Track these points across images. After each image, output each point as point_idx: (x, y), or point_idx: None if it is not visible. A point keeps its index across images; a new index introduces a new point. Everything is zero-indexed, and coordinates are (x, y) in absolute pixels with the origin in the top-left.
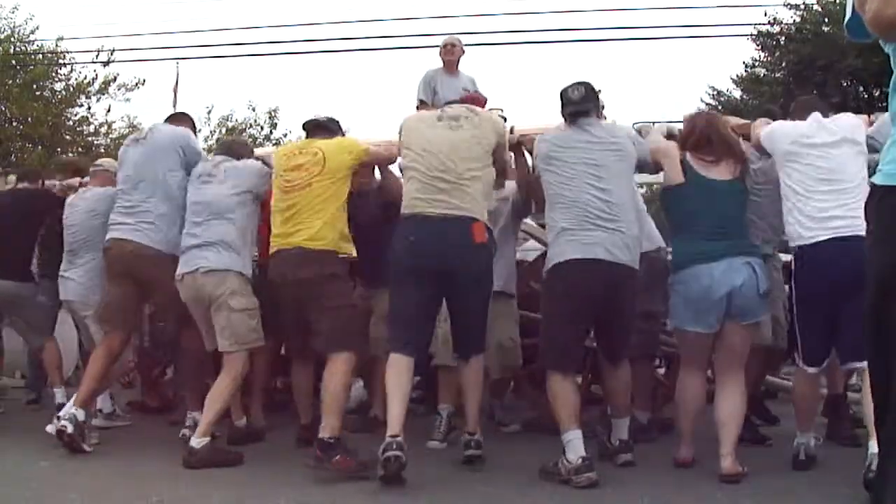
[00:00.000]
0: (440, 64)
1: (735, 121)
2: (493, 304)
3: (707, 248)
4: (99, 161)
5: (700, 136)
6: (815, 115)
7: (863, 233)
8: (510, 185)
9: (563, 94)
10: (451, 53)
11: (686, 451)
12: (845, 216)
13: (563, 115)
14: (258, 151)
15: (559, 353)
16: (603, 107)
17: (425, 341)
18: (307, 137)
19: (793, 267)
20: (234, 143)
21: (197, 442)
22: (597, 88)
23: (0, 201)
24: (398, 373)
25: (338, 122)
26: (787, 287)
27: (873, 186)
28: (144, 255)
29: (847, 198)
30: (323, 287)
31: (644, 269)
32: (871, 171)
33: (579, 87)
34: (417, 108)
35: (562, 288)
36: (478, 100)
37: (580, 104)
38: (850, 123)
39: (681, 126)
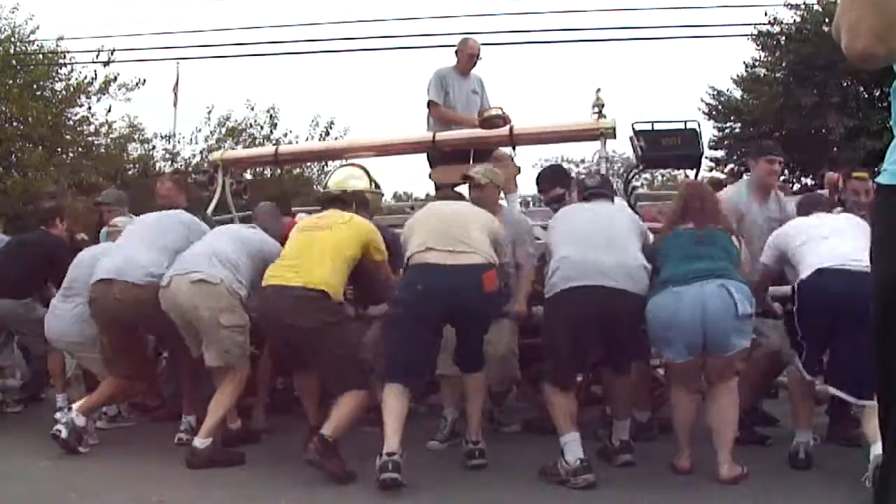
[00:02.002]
0: (451, 63)
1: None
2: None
3: (678, 272)
4: (114, 221)
5: (681, 210)
6: (818, 213)
7: (864, 266)
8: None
9: (581, 182)
10: (468, 60)
11: (685, 460)
12: (848, 254)
13: (581, 199)
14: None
15: (560, 373)
16: (603, 105)
17: (428, 374)
18: (323, 209)
19: (795, 292)
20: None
21: (200, 442)
22: (597, 88)
23: (21, 239)
24: (394, 402)
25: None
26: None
27: (879, 186)
28: (133, 297)
29: (849, 245)
30: (325, 336)
31: None
32: None
33: (595, 176)
34: (428, 106)
35: (562, 315)
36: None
37: (597, 188)
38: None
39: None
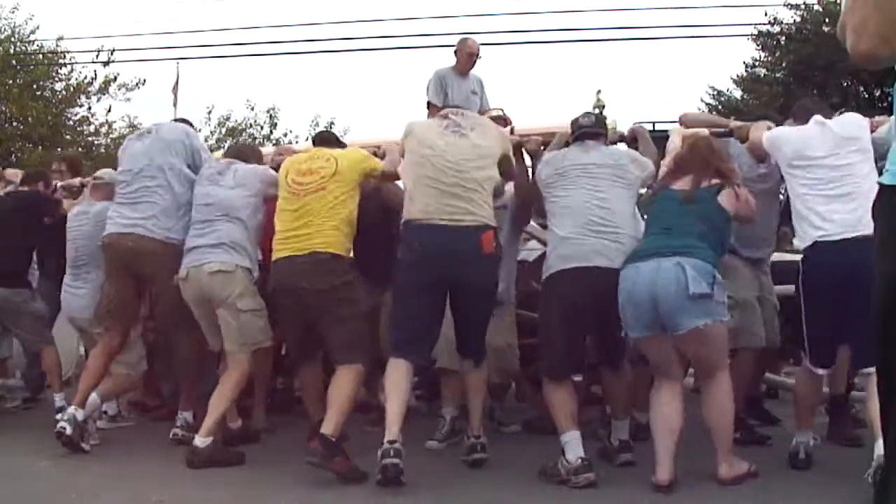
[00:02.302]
0: (450, 63)
1: (734, 123)
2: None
3: (641, 248)
4: (100, 173)
5: (677, 166)
6: (817, 118)
7: (869, 232)
8: (507, 192)
9: (574, 121)
10: (468, 60)
11: (662, 473)
12: (852, 218)
13: (572, 139)
14: (266, 150)
15: (556, 362)
16: (603, 106)
17: (429, 347)
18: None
19: (800, 268)
20: (245, 147)
21: (201, 441)
22: (598, 89)
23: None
24: (398, 378)
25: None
26: (793, 287)
27: (881, 186)
28: (144, 249)
29: (855, 202)
30: (337, 296)
31: None
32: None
33: (590, 115)
34: (427, 107)
35: (559, 296)
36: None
37: (589, 127)
38: (854, 123)
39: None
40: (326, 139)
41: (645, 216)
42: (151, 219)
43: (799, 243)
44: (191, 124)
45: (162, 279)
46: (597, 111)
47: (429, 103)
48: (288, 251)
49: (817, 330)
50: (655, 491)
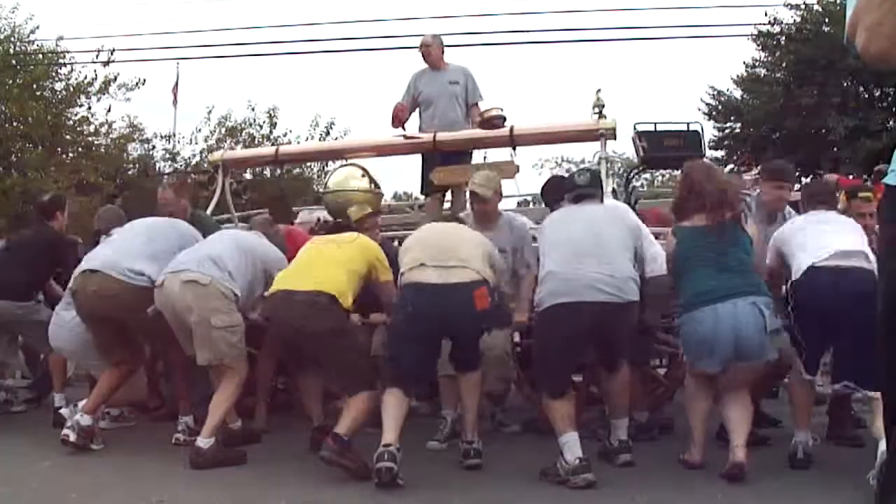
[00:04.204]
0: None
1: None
2: None
3: (709, 288)
4: (113, 234)
5: (694, 208)
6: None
7: (859, 263)
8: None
9: (570, 178)
10: (426, 55)
11: (696, 453)
12: (843, 249)
13: (569, 198)
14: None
15: (553, 384)
16: (603, 106)
17: (425, 381)
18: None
19: (790, 292)
20: (265, 224)
21: (204, 442)
22: (598, 88)
23: (20, 237)
24: (395, 403)
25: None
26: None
27: (887, 187)
28: (110, 291)
29: (847, 238)
30: (330, 339)
31: (647, 288)
32: None
33: (585, 173)
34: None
35: (551, 330)
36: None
37: (586, 188)
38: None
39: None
40: (342, 228)
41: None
42: (120, 263)
43: (791, 276)
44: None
45: (135, 316)
46: (588, 170)
47: (396, 104)
48: (287, 285)
49: (808, 344)
50: (688, 468)
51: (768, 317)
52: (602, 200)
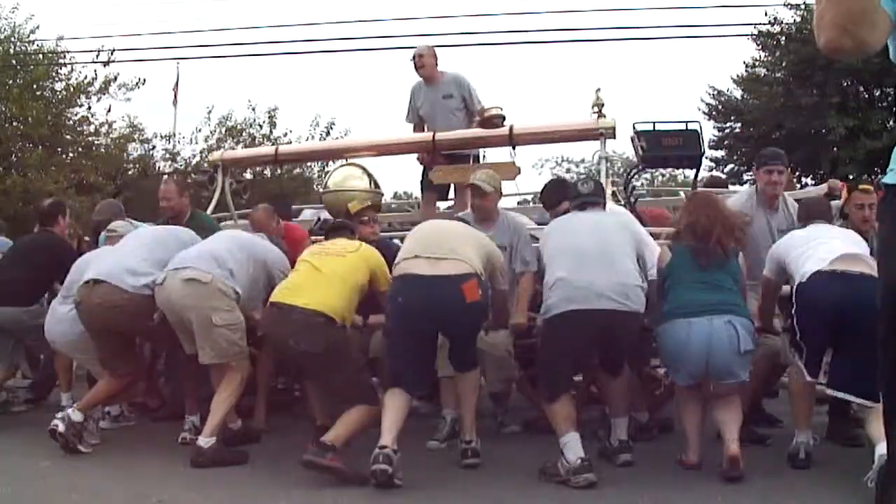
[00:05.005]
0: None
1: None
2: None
3: (687, 302)
4: (112, 226)
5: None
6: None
7: (863, 269)
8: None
9: (574, 187)
10: (420, 66)
11: (693, 455)
12: (848, 253)
13: (572, 207)
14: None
15: (556, 387)
16: (603, 105)
17: (425, 380)
18: (327, 238)
19: (793, 296)
20: (264, 216)
21: (205, 442)
22: (597, 88)
23: (21, 242)
24: (397, 403)
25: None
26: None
27: (886, 186)
28: (115, 302)
29: (851, 247)
30: (328, 360)
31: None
32: None
33: (588, 182)
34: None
35: (556, 338)
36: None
37: (589, 196)
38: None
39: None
40: (341, 226)
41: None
42: (124, 273)
43: (792, 282)
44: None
45: (141, 323)
46: (591, 179)
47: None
48: (284, 299)
49: (810, 349)
50: (686, 469)
51: (742, 337)
52: (605, 207)
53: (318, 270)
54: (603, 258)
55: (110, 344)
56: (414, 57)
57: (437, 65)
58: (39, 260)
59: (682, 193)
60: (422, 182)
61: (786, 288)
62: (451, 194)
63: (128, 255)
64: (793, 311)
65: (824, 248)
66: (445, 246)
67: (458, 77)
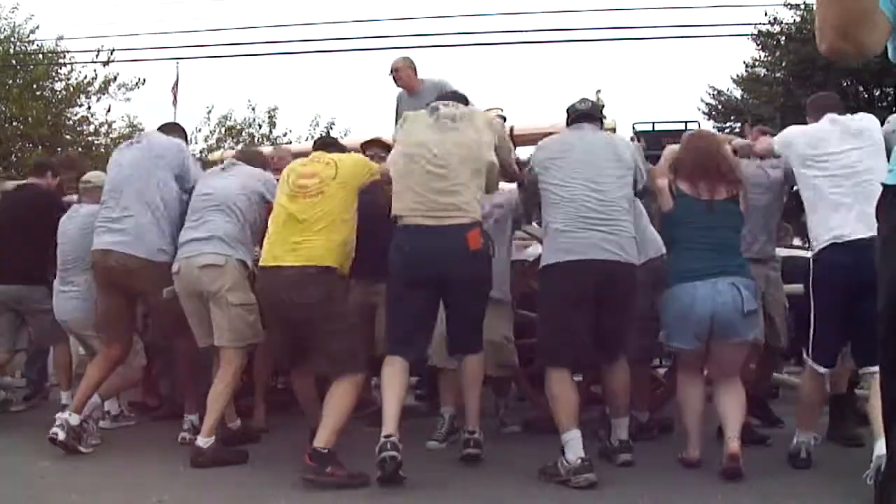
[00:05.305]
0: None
1: (738, 141)
2: (487, 307)
3: (693, 266)
4: (87, 177)
5: (692, 166)
6: (830, 116)
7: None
8: (507, 192)
9: (571, 106)
10: (397, 79)
11: (693, 451)
12: (865, 219)
13: (568, 122)
14: (266, 149)
15: (554, 348)
16: (603, 106)
17: (424, 344)
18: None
19: (811, 268)
20: (251, 153)
21: (204, 441)
22: (597, 89)
23: (4, 200)
24: (394, 373)
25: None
26: (802, 287)
27: (885, 187)
28: (129, 267)
29: (868, 202)
30: (322, 310)
31: (646, 275)
32: None
33: (586, 101)
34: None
35: (555, 288)
36: None
37: (585, 111)
38: (867, 118)
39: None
40: (327, 143)
41: (662, 229)
42: (134, 238)
43: (811, 243)
44: (184, 131)
45: (151, 294)
46: (594, 100)
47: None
48: (276, 260)
49: (825, 329)
50: (686, 467)
51: (746, 298)
52: (602, 126)
53: (301, 221)
54: (597, 214)
55: (114, 302)
56: (391, 71)
57: (415, 74)
58: (28, 218)
59: None
60: None
61: (787, 288)
62: None
63: (139, 222)
64: (810, 282)
65: (840, 212)
66: (447, 183)
67: (439, 83)
